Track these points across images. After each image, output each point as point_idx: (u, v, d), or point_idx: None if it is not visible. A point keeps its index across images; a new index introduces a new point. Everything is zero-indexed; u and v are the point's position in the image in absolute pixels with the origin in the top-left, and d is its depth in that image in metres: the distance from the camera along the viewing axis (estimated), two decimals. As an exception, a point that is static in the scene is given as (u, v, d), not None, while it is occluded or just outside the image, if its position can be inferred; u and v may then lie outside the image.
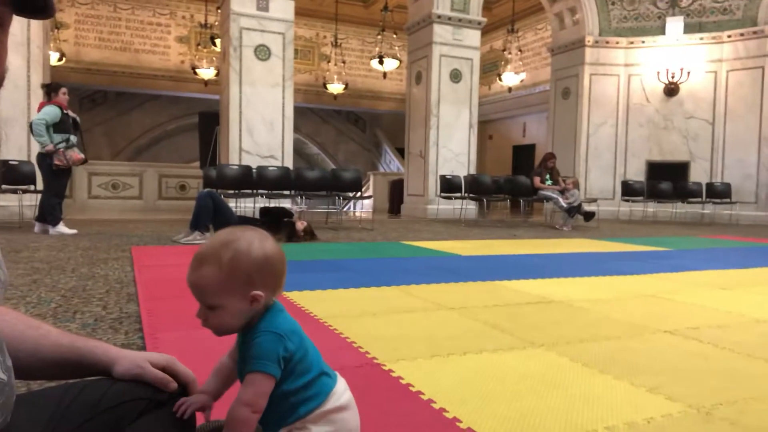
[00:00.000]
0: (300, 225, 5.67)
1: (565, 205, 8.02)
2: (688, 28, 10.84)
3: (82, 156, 5.89)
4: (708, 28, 10.80)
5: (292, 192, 7.63)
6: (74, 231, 5.84)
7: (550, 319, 2.49)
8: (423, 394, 1.54)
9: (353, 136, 19.34)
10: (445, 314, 2.52)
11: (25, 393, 0.85)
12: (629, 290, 3.24)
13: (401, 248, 5.28)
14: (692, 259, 4.81)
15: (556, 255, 5.02)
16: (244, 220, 5.78)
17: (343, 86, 15.87)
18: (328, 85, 15.95)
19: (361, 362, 1.80)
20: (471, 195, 8.94)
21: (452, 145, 10.21)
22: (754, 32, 10.36)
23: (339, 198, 7.56)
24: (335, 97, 16.16)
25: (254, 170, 7.50)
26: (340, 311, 2.53)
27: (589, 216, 8.18)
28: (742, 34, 10.50)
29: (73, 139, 5.81)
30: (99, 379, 0.89)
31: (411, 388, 1.58)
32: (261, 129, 8.89)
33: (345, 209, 9.53)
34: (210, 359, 1.59)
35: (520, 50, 14.56)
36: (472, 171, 10.18)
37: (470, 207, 9.82)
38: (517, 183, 8.91)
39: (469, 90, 10.45)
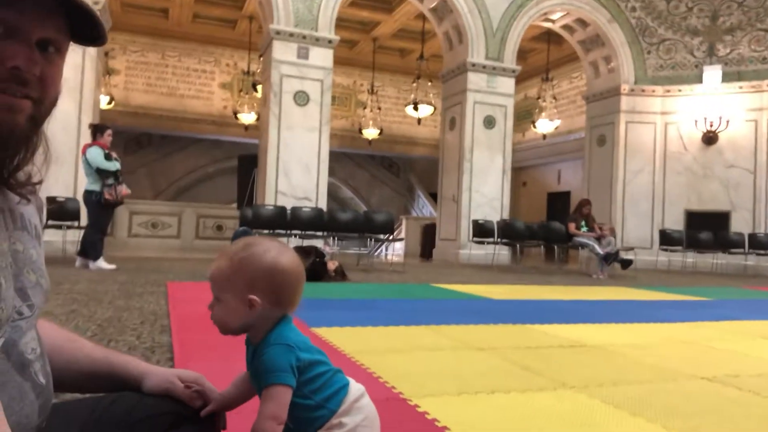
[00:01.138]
0: (331, 265, 5.72)
1: (601, 252, 7.87)
2: (727, 77, 10.76)
3: (129, 191, 6.16)
4: (747, 76, 10.70)
5: (325, 233, 7.72)
6: (113, 266, 6.02)
7: (582, 362, 2.43)
8: (449, 429, 1.52)
9: (387, 180, 19.54)
10: (474, 354, 2.49)
11: (59, 402, 0.89)
12: (666, 336, 3.14)
13: (432, 290, 5.25)
14: (734, 309, 4.64)
15: (591, 301, 4.91)
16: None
17: (378, 132, 16.16)
18: (363, 131, 16.27)
19: (388, 396, 1.79)
20: (504, 240, 8.88)
21: (485, 189, 10.22)
22: (795, 81, 10.22)
23: (370, 240, 7.60)
24: (370, 142, 16.44)
25: (289, 211, 7.65)
26: (368, 347, 2.52)
27: (626, 264, 8.00)
28: (782, 83, 10.37)
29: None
30: (130, 393, 0.92)
31: (437, 423, 1.56)
32: (297, 171, 9.10)
33: (377, 253, 9.57)
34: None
35: (555, 98, 14.64)
36: (506, 216, 10.13)
37: (503, 252, 9.73)
38: (551, 229, 8.81)
39: (503, 136, 10.52)
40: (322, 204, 9.11)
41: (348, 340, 2.63)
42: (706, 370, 2.31)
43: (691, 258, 10.29)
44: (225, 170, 16.62)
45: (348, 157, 18.15)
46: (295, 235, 7.44)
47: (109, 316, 3.08)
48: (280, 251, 0.96)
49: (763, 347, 2.91)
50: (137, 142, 15.98)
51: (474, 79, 10.34)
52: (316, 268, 5.60)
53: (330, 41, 9.33)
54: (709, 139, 10.84)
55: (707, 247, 9.90)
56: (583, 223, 8.31)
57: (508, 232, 8.84)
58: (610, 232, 8.22)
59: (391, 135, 17.18)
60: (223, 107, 15.39)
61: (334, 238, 7.57)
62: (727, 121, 10.68)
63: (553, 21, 11.65)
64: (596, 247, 7.98)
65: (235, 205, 12.82)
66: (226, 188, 16.11)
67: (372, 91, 15.84)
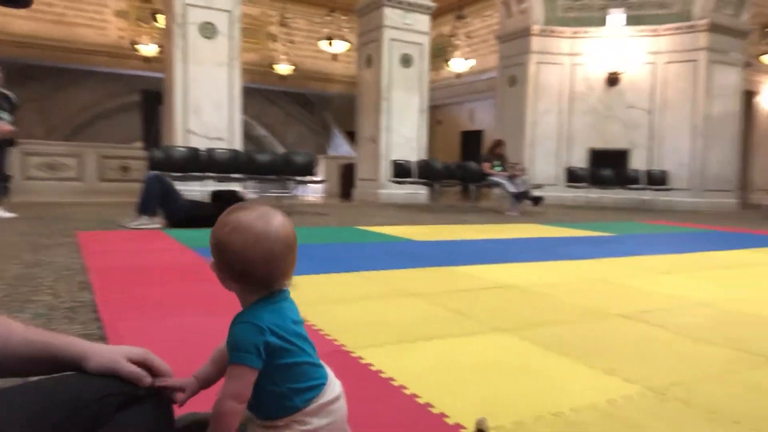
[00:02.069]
0: (252, 210, 5.58)
1: (513, 191, 8.22)
2: (629, 21, 11.22)
3: (11, 128, 5.59)
4: (647, 21, 11.21)
5: (243, 175, 7.48)
6: (14, 215, 5.55)
7: (509, 304, 2.57)
8: (394, 380, 1.56)
9: (302, 118, 19.09)
10: (407, 300, 2.55)
11: (1, 390, 0.83)
12: (580, 275, 3.38)
13: (357, 233, 5.29)
14: (635, 244, 5.04)
15: (509, 240, 5.15)
16: (194, 205, 5.63)
17: (292, 67, 15.59)
18: (275, 66, 15.63)
19: (330, 350, 1.80)
20: (423, 180, 9.03)
21: (403, 130, 10.25)
22: (689, 26, 10.84)
23: (291, 182, 7.47)
24: (283, 77, 15.86)
25: (202, 152, 7.31)
26: (302, 299, 2.48)
27: (537, 200, 8.42)
28: (678, 28, 10.96)
29: (5, 115, 5.52)
30: (76, 375, 0.88)
31: (381, 374, 1.60)
32: (208, 109, 8.67)
33: (290, 193, 9.41)
34: (177, 349, 1.56)
35: (468, 36, 14.69)
36: (423, 156, 10.27)
37: (421, 192, 9.92)
38: (467, 169, 9.06)
39: (420, 75, 10.50)
40: (237, 144, 8.79)
41: (282, 291, 2.61)
42: (619, 307, 2.51)
43: (594, 194, 10.99)
44: (126, 106, 15.52)
45: (260, 93, 17.45)
46: (211, 178, 7.16)
47: (19, 273, 2.86)
48: (240, 225, 0.89)
49: (663, 282, 3.20)
50: (24, 74, 14.44)
51: (390, 15, 10.13)
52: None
53: (237, -33, 8.73)
54: (612, 80, 11.39)
55: (609, 183, 10.60)
56: (497, 162, 8.60)
57: (427, 172, 8.99)
58: (523, 171, 8.57)
59: (305, 71, 16.64)
60: (119, 37, 14.16)
61: (252, 181, 7.35)
62: (628, 64, 11.22)
63: (468, -43, 11.53)
64: (509, 185, 8.31)
65: (140, 144, 12.09)
66: (128, 126, 15.10)
67: (283, 24, 15.14)
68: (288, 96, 18.46)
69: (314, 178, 8.13)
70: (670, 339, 2.08)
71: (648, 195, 10.91)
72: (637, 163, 11.25)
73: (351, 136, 16.96)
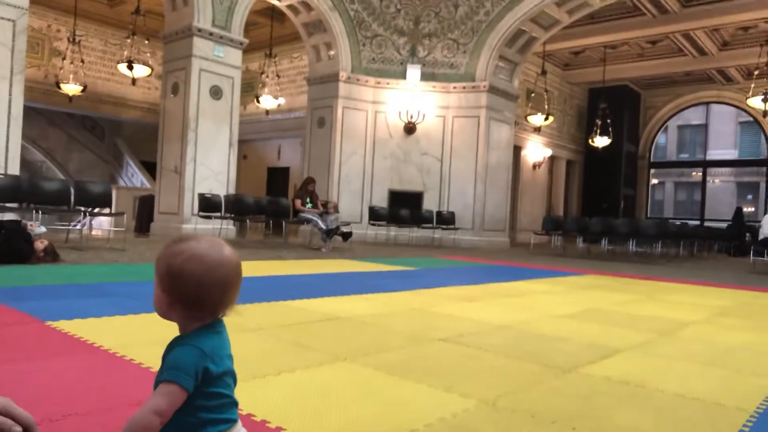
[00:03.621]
0: (40, 244, 4.95)
1: (324, 227, 8.47)
2: (425, 77, 12.49)
3: None
4: (439, 78, 12.60)
5: (23, 205, 6.56)
6: None
7: (344, 334, 2.69)
8: (255, 416, 1.57)
9: (88, 144, 17.38)
10: (247, 336, 2.53)
11: None
12: (399, 305, 3.65)
13: (167, 270, 4.98)
14: (438, 277, 5.57)
15: (328, 274, 5.32)
16: (-37, 237, 4.79)
17: (80, 88, 14.18)
18: (62, 85, 14.07)
19: (179, 390, 1.73)
20: (233, 215, 8.83)
21: (211, 162, 9.95)
22: (473, 87, 12.43)
23: (85, 214, 6.75)
24: (71, 99, 14.35)
25: (-29, 177, 6.27)
26: (130, 340, 2.34)
27: (346, 236, 8.78)
28: (464, 87, 12.50)
29: None
30: None
31: (240, 411, 1.59)
32: (-23, 128, 7.50)
33: (81, 227, 8.47)
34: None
35: (278, 75, 14.93)
36: (232, 190, 10.06)
37: (229, 227, 9.68)
38: (278, 204, 9.10)
39: (230, 108, 10.37)
40: (14, 169, 7.70)
41: (101, 334, 2.40)
42: (439, 333, 2.80)
43: (393, 231, 11.80)
44: None
45: (38, 113, 15.55)
46: (-18, 207, 6.16)
47: None
48: (196, 255, 0.91)
49: (468, 309, 3.62)
50: None
51: (200, 45, 9.90)
52: (20, 248, 4.78)
53: (24, -26, 7.82)
54: (410, 129, 12.47)
55: (406, 222, 11.50)
56: (308, 199, 8.81)
57: (237, 207, 8.82)
58: (334, 208, 8.90)
59: (96, 93, 15.32)
60: None
61: (36, 212, 6.46)
62: (423, 115, 12.43)
63: (279, -1, 11.84)
64: (319, 222, 8.56)
65: None
66: None
67: (73, 41, 13.78)
68: (73, 119, 16.72)
69: (110, 211, 7.46)
70: (487, 357, 2.39)
71: (438, 233, 12.06)
72: (430, 204, 12.41)
73: (146, 165, 15.87)
